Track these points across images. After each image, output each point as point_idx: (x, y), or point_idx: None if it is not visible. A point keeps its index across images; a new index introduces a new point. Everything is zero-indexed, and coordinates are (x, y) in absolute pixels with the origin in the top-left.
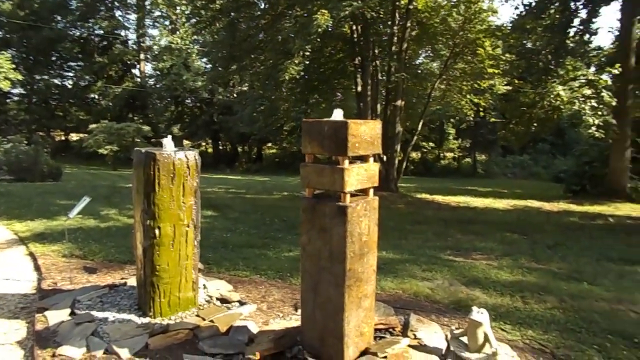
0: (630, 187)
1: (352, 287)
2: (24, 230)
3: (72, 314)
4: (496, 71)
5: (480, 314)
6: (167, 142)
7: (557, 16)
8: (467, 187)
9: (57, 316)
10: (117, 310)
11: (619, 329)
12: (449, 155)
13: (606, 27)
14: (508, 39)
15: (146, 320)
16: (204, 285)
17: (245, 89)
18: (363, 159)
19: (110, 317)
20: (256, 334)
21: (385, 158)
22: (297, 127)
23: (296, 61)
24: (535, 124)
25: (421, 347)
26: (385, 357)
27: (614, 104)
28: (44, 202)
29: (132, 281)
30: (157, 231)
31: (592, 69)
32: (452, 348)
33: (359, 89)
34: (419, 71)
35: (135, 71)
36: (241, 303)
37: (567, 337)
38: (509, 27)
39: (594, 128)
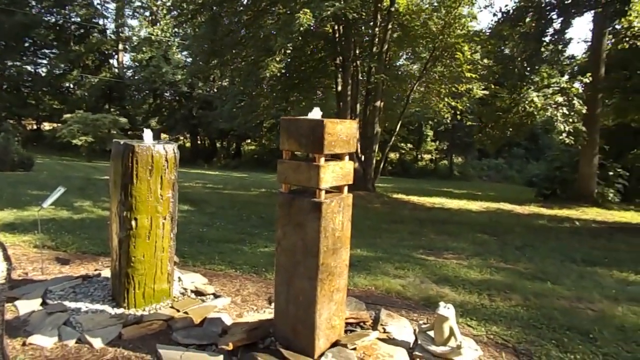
0: (597, 192)
1: (325, 280)
2: None
3: (43, 303)
4: (473, 75)
5: (446, 309)
6: (147, 134)
7: (533, 24)
8: (443, 188)
9: (27, 306)
10: (91, 300)
11: (576, 325)
12: (427, 156)
13: (578, 37)
14: (486, 44)
15: (120, 311)
16: (179, 278)
17: (225, 84)
18: (339, 157)
19: (83, 308)
20: (230, 325)
21: (363, 158)
22: (276, 125)
23: (277, 58)
24: (510, 129)
25: (390, 340)
26: (354, 348)
27: (584, 111)
28: (14, 192)
29: (106, 273)
30: (133, 223)
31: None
32: (419, 341)
33: (339, 88)
34: (399, 73)
35: (113, 61)
36: (215, 296)
37: (528, 332)
38: (487, 33)
39: (564, 134)
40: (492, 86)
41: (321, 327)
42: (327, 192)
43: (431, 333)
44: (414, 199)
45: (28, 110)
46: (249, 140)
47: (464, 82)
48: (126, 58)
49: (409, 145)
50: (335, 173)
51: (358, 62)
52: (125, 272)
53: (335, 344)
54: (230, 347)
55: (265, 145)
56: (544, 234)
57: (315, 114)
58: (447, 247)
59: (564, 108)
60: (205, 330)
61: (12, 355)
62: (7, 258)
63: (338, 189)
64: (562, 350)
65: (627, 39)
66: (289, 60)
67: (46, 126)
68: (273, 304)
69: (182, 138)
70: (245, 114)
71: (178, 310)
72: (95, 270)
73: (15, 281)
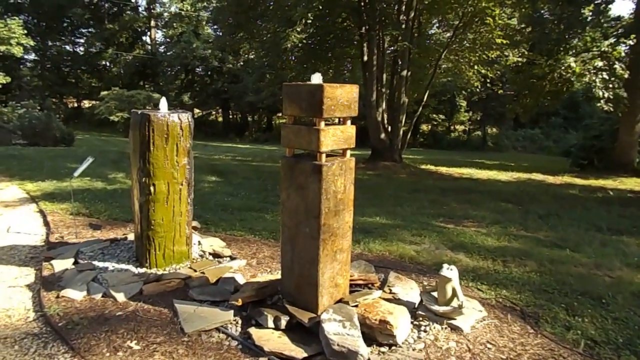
0: (638, 161)
1: (327, 240)
2: (35, 190)
3: (75, 263)
4: (505, 41)
5: (449, 270)
6: (163, 103)
7: None
8: (474, 159)
9: (62, 264)
10: (117, 261)
11: (590, 291)
12: (460, 128)
13: None
14: (520, 7)
15: (142, 270)
16: (198, 241)
17: (252, 57)
18: (341, 121)
19: (110, 267)
20: (242, 284)
21: (390, 128)
22: None
23: (298, 29)
24: (545, 97)
25: (394, 300)
26: (356, 305)
27: (626, 76)
28: (55, 165)
29: (132, 237)
30: (152, 188)
31: (609, 40)
32: (423, 301)
33: (365, 58)
34: (429, 42)
35: (146, 38)
36: (232, 258)
37: (539, 297)
38: None
39: (603, 101)
40: (526, 52)
41: (324, 285)
42: (328, 155)
43: (435, 294)
44: (443, 169)
45: (68, 89)
46: (279, 114)
47: (494, 49)
48: (158, 34)
49: (441, 116)
50: (336, 137)
51: (382, 32)
52: (147, 235)
53: (339, 302)
54: (240, 302)
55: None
56: (571, 203)
57: (316, 79)
58: (468, 216)
59: (604, 73)
60: (219, 289)
61: (47, 306)
62: (46, 224)
63: (341, 153)
64: (570, 313)
65: None
66: (312, 30)
67: (86, 104)
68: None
69: (214, 113)
70: (270, 86)
71: (195, 271)
72: (123, 234)
73: (53, 244)
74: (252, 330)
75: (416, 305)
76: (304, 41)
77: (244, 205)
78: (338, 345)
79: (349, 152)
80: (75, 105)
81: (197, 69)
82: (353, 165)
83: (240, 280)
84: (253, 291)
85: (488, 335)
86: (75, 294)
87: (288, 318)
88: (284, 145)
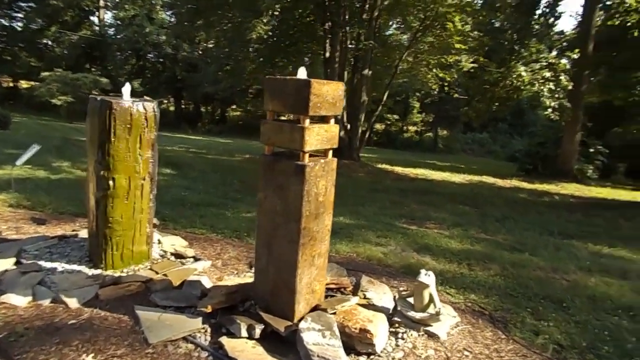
0: (577, 168)
1: (307, 245)
2: None
3: (17, 263)
4: (463, 47)
5: (427, 276)
6: (126, 91)
7: None
8: (427, 160)
9: (1, 265)
10: (67, 261)
11: (551, 295)
12: (412, 128)
13: (571, 10)
14: (477, 15)
15: (97, 271)
16: (158, 240)
17: (211, 46)
18: (324, 119)
19: (59, 268)
20: (209, 288)
21: (349, 126)
22: (262, 90)
23: (264, 20)
24: (496, 103)
25: (369, 306)
26: (334, 312)
27: (570, 87)
28: None
29: (83, 233)
30: (111, 182)
31: (554, 52)
32: (398, 307)
33: (327, 54)
34: (388, 42)
35: (94, 18)
36: (196, 259)
37: (505, 301)
38: (479, 4)
39: (550, 110)
40: (481, 59)
41: (301, 291)
42: (311, 155)
43: (411, 300)
44: (398, 169)
45: (4, 67)
46: (234, 106)
47: (453, 54)
48: (108, 15)
49: (395, 116)
50: (320, 136)
51: (347, 29)
52: (103, 233)
53: (315, 309)
54: (209, 309)
55: (250, 111)
56: (523, 207)
57: (301, 74)
58: (429, 217)
59: (551, 83)
60: (184, 293)
61: None
62: None
63: (323, 153)
64: (536, 318)
65: (617, 15)
66: (276, 22)
67: (23, 84)
68: (254, 269)
69: (165, 101)
70: (231, 77)
71: (157, 273)
72: (73, 230)
73: None
74: (224, 340)
75: (391, 311)
76: (270, 33)
77: (202, 201)
78: (318, 356)
79: (331, 153)
80: (11, 84)
81: (149, 55)
82: (335, 167)
83: (207, 283)
84: (223, 297)
85: (464, 342)
86: (19, 300)
87: (263, 327)
88: (263, 142)
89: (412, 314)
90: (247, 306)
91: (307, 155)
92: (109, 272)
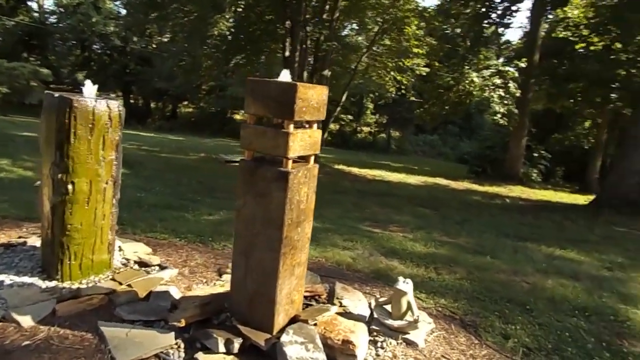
0: (522, 172)
1: (287, 254)
2: None
3: None
4: (421, 51)
5: (405, 284)
6: (88, 87)
7: (479, 6)
8: (381, 161)
9: None
10: (16, 272)
11: (514, 297)
12: (366, 129)
13: (518, 23)
14: (433, 21)
15: (52, 284)
16: (119, 247)
17: (165, 40)
18: (308, 124)
19: (7, 281)
20: (179, 299)
21: None
22: (216, 87)
23: (227, 16)
24: (448, 107)
25: (347, 314)
26: (315, 324)
27: (518, 94)
28: None
29: (33, 240)
30: (70, 187)
31: (501, 60)
32: (375, 315)
33: (287, 54)
34: (347, 42)
35: (32, 4)
36: (161, 267)
37: (473, 304)
38: (435, 10)
39: (499, 115)
40: (436, 64)
41: (281, 302)
42: (293, 161)
43: (388, 307)
44: (355, 170)
45: None
46: (185, 102)
47: (411, 57)
48: (48, 2)
49: (349, 116)
50: (303, 142)
51: (307, 28)
52: (60, 241)
53: (294, 319)
54: (183, 323)
55: (203, 108)
56: (478, 210)
57: (284, 76)
58: (392, 220)
59: (501, 90)
60: (152, 305)
61: None
62: None
63: (304, 159)
64: (504, 321)
65: (560, 29)
66: (237, 19)
67: None
68: (224, 276)
69: (113, 96)
70: (187, 73)
71: (120, 283)
72: (19, 237)
73: None
74: (200, 357)
75: (367, 319)
76: (232, 30)
77: (160, 202)
78: None
79: (312, 159)
80: None
81: (95, 46)
82: (316, 173)
83: (176, 294)
84: (197, 309)
85: (441, 349)
86: None
87: (241, 340)
88: (243, 147)
89: (390, 322)
90: (222, 318)
91: (290, 162)
92: (66, 284)
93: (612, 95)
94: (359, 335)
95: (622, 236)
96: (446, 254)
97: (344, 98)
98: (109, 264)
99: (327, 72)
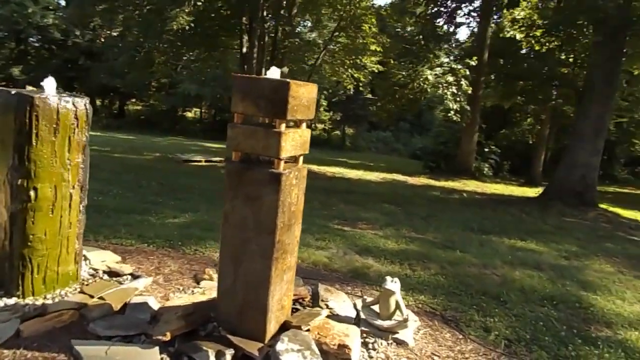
0: (475, 166)
1: (279, 259)
2: None
3: None
4: (378, 49)
5: (393, 283)
6: (48, 84)
7: (431, 5)
8: (337, 158)
9: None
10: None
11: (488, 290)
12: (320, 126)
13: (469, 22)
14: (388, 19)
15: (12, 301)
16: (84, 256)
17: (115, 34)
18: (297, 123)
19: None
20: (158, 310)
21: None
22: (166, 84)
23: (187, 10)
24: (403, 104)
25: (335, 317)
26: (308, 329)
27: (469, 92)
28: None
29: None
30: (32, 193)
31: (451, 58)
32: (363, 316)
33: (244, 50)
34: (307, 39)
35: None
36: (134, 276)
37: (451, 300)
38: (390, 8)
39: (452, 112)
40: (392, 61)
41: (273, 309)
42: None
43: (375, 307)
44: (315, 168)
45: None
46: (134, 100)
47: (368, 55)
48: None
49: None
50: (294, 142)
51: (266, 25)
52: (20, 254)
53: (284, 326)
54: (168, 337)
55: (153, 105)
56: (440, 205)
57: (274, 73)
58: (360, 217)
59: (453, 87)
60: (130, 318)
61: None
62: None
63: (293, 159)
64: (482, 314)
65: (507, 29)
66: (196, 14)
67: None
68: (202, 283)
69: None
70: (140, 69)
71: (92, 296)
72: None
73: None
74: None
75: (354, 320)
76: (192, 24)
77: (121, 206)
78: None
79: (301, 159)
80: None
81: (32, 39)
82: (305, 174)
83: (154, 304)
84: (181, 320)
85: (430, 347)
86: None
87: (233, 351)
88: (230, 147)
89: (379, 322)
90: (209, 329)
91: (282, 163)
92: (29, 301)
93: (555, 93)
94: (353, 338)
95: (572, 226)
96: (418, 250)
97: None
98: (76, 275)
99: (285, 69)
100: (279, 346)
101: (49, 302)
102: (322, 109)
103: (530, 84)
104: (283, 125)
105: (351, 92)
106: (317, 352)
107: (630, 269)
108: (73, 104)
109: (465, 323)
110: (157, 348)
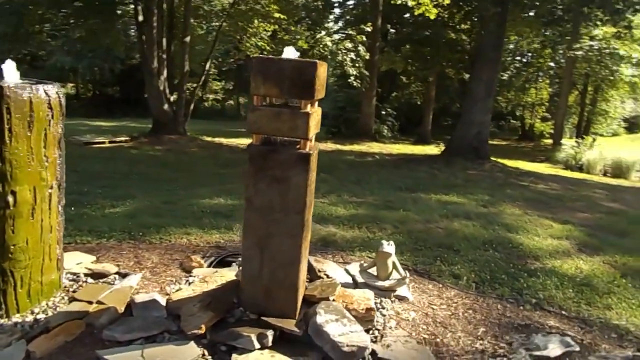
0: (374, 129)
1: (306, 237)
2: None
3: None
4: (283, 17)
5: (389, 246)
6: (8, 67)
7: None
8: (239, 129)
9: None
10: None
11: (442, 242)
12: (211, 96)
13: None
14: None
15: None
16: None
17: None
18: (313, 103)
19: None
20: (169, 305)
21: (171, 98)
22: (27, 55)
23: None
24: None
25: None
26: (334, 300)
27: (367, 57)
28: None
29: None
30: (10, 198)
31: (340, 23)
32: (362, 280)
33: (140, 18)
34: (206, 8)
35: None
36: (122, 275)
37: (417, 255)
38: None
39: (353, 78)
40: (293, 27)
41: (300, 286)
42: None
43: (372, 270)
44: (223, 140)
45: None
46: None
47: (272, 23)
48: None
49: (193, 84)
50: (315, 121)
51: None
52: (1, 269)
53: (306, 300)
54: (203, 329)
55: None
56: (362, 169)
57: (290, 53)
58: None
59: (352, 54)
60: (145, 318)
61: None
62: None
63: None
64: (447, 264)
65: None
66: None
67: None
68: (194, 271)
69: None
70: (12, 39)
71: (90, 302)
72: None
73: None
74: (237, 359)
75: (353, 285)
76: None
77: None
78: (347, 345)
79: (314, 138)
80: None
81: None
82: (317, 151)
83: (160, 299)
84: (207, 311)
85: (424, 298)
86: None
87: (272, 332)
88: (252, 131)
89: (380, 283)
90: (238, 315)
91: (309, 143)
92: (15, 319)
93: (450, 57)
94: (372, 301)
95: (477, 178)
96: (366, 213)
97: (208, 65)
98: (59, 283)
99: (187, 39)
100: (319, 318)
101: (41, 316)
102: (211, 77)
103: (428, 50)
104: (309, 106)
105: (241, 61)
106: (352, 318)
107: (533, 210)
108: (45, 92)
109: (437, 274)
110: (192, 342)
